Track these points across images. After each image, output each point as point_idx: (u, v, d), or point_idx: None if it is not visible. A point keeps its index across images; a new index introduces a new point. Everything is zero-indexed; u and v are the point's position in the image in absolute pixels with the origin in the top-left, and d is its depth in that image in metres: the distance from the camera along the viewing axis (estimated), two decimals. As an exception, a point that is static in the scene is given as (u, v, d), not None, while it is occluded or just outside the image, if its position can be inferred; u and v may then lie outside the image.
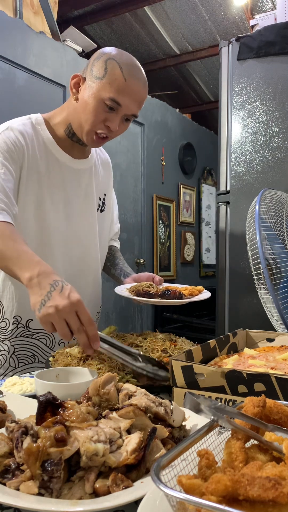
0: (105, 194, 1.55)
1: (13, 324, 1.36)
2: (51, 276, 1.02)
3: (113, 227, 1.65)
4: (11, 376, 1.35)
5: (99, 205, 1.52)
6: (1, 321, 1.37)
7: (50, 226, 1.34)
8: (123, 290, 1.36)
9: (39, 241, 1.33)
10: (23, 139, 1.28)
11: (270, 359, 1.02)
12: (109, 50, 1.24)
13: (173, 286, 1.38)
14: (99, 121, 1.23)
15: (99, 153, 1.57)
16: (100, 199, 1.52)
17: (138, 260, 4.21)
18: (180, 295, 1.25)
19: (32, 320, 1.36)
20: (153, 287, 1.30)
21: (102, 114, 1.22)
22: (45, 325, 0.98)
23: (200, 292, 1.31)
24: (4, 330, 1.37)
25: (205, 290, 1.35)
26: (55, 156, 1.35)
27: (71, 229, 1.39)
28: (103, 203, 1.54)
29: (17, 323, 1.36)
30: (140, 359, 1.02)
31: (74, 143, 1.37)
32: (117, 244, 1.69)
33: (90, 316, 0.99)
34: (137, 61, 1.26)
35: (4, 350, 1.37)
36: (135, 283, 1.39)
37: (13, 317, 1.36)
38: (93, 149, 1.51)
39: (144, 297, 1.26)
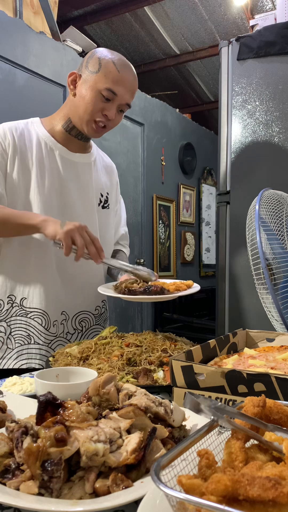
0: (107, 193, 1.57)
1: (7, 303, 1.39)
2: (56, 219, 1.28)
3: (119, 230, 1.68)
4: (9, 358, 1.39)
5: (101, 201, 1.54)
6: None
7: (41, 212, 1.38)
8: (106, 287, 1.38)
9: None
10: (10, 133, 1.37)
11: (270, 359, 1.02)
12: (101, 49, 1.38)
13: (160, 282, 1.36)
14: (97, 110, 1.34)
15: (102, 156, 1.63)
16: (102, 195, 1.55)
17: (138, 260, 4.21)
18: (161, 291, 1.24)
19: (26, 298, 1.39)
20: (137, 284, 1.30)
21: (100, 104, 1.34)
22: (67, 239, 1.21)
23: (188, 287, 1.30)
24: None
25: (195, 285, 1.33)
26: (50, 146, 1.42)
27: (66, 216, 1.42)
28: (106, 201, 1.57)
29: (11, 302, 1.39)
30: (135, 266, 1.35)
31: (72, 137, 1.44)
32: (126, 250, 1.70)
33: (95, 235, 1.27)
34: (126, 59, 1.40)
35: (1, 332, 1.39)
36: (120, 281, 1.39)
37: (7, 297, 1.40)
38: (95, 151, 1.54)
39: (124, 294, 1.26)
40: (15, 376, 1.10)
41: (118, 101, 1.34)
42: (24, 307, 1.39)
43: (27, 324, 1.40)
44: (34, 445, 0.55)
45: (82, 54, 3.56)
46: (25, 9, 2.99)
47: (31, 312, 1.40)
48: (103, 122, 1.37)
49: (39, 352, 1.40)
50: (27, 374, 1.18)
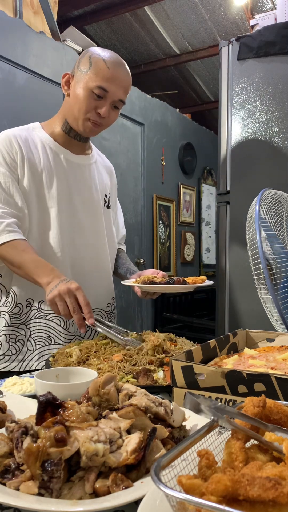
0: (109, 193, 1.61)
1: (26, 307, 1.41)
2: (61, 276, 1.25)
3: (120, 230, 1.72)
4: (30, 360, 1.42)
5: (105, 201, 1.58)
6: (15, 307, 1.40)
7: (53, 215, 1.40)
8: (128, 282, 1.42)
9: (42, 230, 1.40)
10: (16, 141, 1.37)
11: (270, 359, 1.02)
12: (93, 48, 1.40)
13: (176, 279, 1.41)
14: (90, 108, 1.35)
15: (102, 157, 1.65)
16: (106, 195, 1.58)
17: (138, 260, 4.21)
18: (184, 282, 1.29)
19: (43, 301, 1.42)
20: (157, 278, 1.34)
21: (92, 102, 1.35)
22: (52, 305, 1.21)
23: (203, 281, 1.33)
24: (18, 315, 1.41)
25: (207, 280, 1.37)
26: (54, 150, 1.44)
27: (76, 218, 1.45)
28: (109, 201, 1.60)
29: (30, 306, 1.41)
30: (127, 339, 1.23)
31: (72, 139, 1.46)
32: (123, 247, 1.76)
33: (86, 299, 1.21)
34: (119, 56, 1.40)
35: (21, 334, 1.41)
36: (140, 277, 1.42)
37: (26, 301, 1.41)
38: (95, 152, 1.56)
39: (148, 285, 1.30)
40: (15, 376, 1.10)
41: (110, 98, 1.35)
42: (42, 309, 1.41)
43: (47, 326, 1.42)
44: (34, 445, 0.55)
45: (82, 54, 3.55)
46: (25, 9, 2.99)
47: (49, 314, 1.42)
48: (98, 120, 1.38)
49: None
50: (27, 374, 1.18)
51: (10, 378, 1.09)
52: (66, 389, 0.85)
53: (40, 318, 1.41)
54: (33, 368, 1.41)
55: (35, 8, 3.07)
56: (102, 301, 1.56)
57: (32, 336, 1.41)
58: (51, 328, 1.42)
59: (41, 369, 1.37)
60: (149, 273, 1.47)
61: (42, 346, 1.41)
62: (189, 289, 1.34)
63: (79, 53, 3.44)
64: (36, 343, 1.41)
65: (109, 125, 1.43)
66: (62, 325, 1.43)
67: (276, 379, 0.78)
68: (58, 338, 1.42)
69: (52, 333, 1.42)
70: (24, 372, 1.40)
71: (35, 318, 1.41)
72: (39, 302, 1.41)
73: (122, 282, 1.42)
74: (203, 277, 1.36)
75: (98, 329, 1.20)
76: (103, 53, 1.35)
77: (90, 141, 1.57)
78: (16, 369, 1.41)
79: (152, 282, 1.31)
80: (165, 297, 4.47)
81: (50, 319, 1.42)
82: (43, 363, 1.40)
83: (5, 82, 2.80)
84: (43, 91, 3.05)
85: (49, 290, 1.21)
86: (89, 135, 1.45)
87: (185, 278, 1.34)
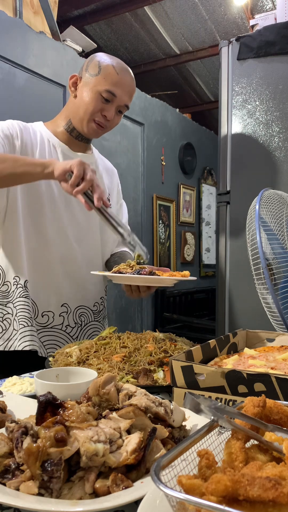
0: (109, 194, 1.61)
1: (13, 285, 1.43)
2: None
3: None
4: (15, 340, 1.42)
5: None
6: (3, 285, 1.43)
7: (44, 207, 1.42)
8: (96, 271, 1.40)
9: (33, 216, 1.41)
10: (17, 124, 1.41)
11: (270, 359, 1.02)
12: (100, 54, 1.45)
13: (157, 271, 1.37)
14: (97, 110, 1.39)
15: (102, 159, 1.66)
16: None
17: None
18: (151, 274, 1.26)
19: (28, 280, 1.43)
20: (130, 268, 1.31)
21: (100, 105, 1.39)
22: (80, 168, 1.18)
23: (183, 276, 1.30)
24: (6, 293, 1.43)
25: (190, 277, 1.33)
26: (52, 143, 1.46)
27: (68, 210, 1.46)
28: (108, 199, 1.60)
29: (16, 284, 1.43)
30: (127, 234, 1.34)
31: (73, 139, 1.48)
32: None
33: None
34: (124, 63, 1.45)
35: (9, 313, 1.43)
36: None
37: (13, 278, 1.43)
38: (96, 154, 1.57)
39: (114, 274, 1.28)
40: (15, 376, 1.10)
41: (117, 102, 1.40)
42: (27, 288, 1.43)
43: (29, 305, 1.43)
44: (34, 445, 0.55)
45: (82, 54, 3.56)
46: (25, 9, 2.99)
47: (32, 293, 1.44)
48: (103, 123, 1.42)
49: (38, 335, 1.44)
50: (27, 374, 1.18)
51: (10, 378, 1.09)
52: (66, 389, 0.85)
53: (25, 297, 1.42)
54: (18, 349, 1.40)
55: (35, 8, 3.07)
56: (90, 298, 1.56)
57: (18, 315, 1.42)
58: (32, 307, 1.43)
59: (25, 351, 1.40)
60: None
61: (24, 327, 1.42)
62: (159, 282, 1.27)
63: (79, 53, 3.44)
64: (20, 323, 1.42)
65: (112, 128, 1.47)
66: (31, 313, 1.44)
67: (276, 379, 0.78)
68: (35, 321, 1.43)
69: (33, 314, 1.43)
70: (9, 352, 1.41)
71: (20, 297, 1.42)
72: (24, 281, 1.42)
73: (91, 272, 1.38)
74: (186, 272, 1.32)
75: (106, 211, 1.26)
76: (111, 60, 1.41)
77: (91, 145, 1.58)
78: (1, 348, 1.42)
79: (119, 271, 1.27)
80: (165, 297, 4.47)
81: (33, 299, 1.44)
82: (24, 344, 1.40)
83: (5, 82, 2.80)
84: (43, 91, 3.05)
85: (66, 162, 1.20)
86: (91, 136, 1.48)
87: (163, 273, 1.28)
